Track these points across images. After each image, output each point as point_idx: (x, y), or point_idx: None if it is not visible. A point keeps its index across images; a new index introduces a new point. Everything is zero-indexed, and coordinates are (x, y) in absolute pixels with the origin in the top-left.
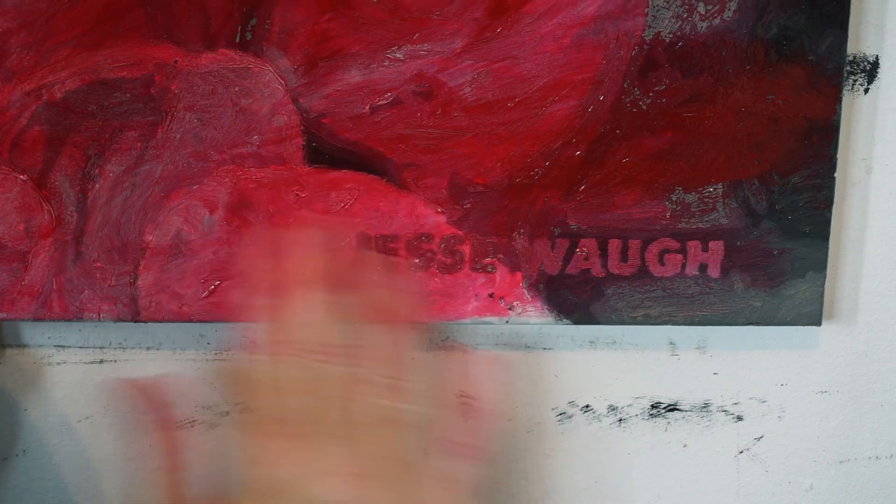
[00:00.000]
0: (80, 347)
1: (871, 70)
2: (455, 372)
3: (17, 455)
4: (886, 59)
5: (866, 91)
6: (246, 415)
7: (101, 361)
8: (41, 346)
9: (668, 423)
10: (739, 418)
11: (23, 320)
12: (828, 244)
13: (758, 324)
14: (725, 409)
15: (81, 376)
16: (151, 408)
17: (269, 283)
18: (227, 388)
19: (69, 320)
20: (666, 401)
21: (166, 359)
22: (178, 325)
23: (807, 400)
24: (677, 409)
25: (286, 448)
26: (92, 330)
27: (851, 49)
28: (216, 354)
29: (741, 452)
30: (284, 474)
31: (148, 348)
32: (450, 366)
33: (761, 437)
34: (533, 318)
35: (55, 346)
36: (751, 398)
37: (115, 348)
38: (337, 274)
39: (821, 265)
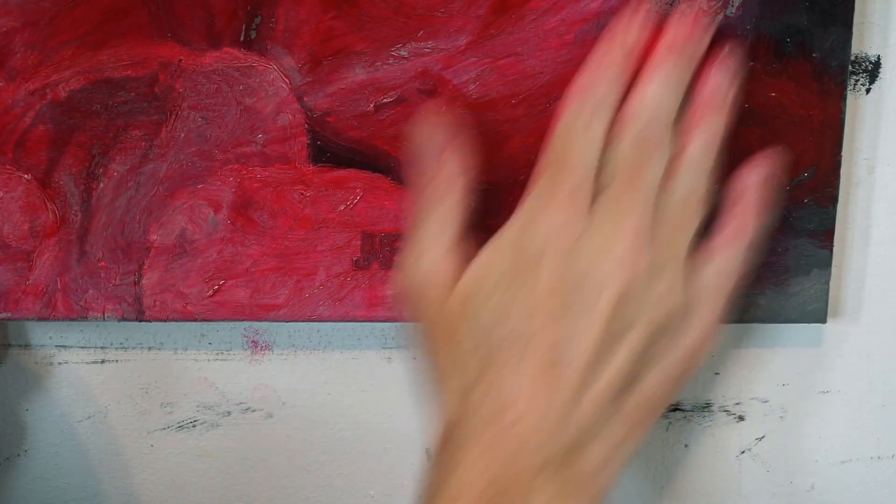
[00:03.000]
0: (82, 347)
1: (872, 70)
2: None
3: (18, 455)
4: (888, 59)
5: (868, 91)
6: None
7: (103, 361)
8: (42, 346)
9: (670, 422)
10: (741, 418)
11: (28, 320)
12: (832, 242)
13: (763, 321)
14: (727, 408)
15: (83, 376)
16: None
17: None
18: None
19: (74, 319)
20: None
21: (167, 358)
22: (178, 326)
23: (809, 400)
24: (679, 409)
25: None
26: (93, 330)
27: (853, 49)
28: (217, 354)
29: (742, 452)
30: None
31: (149, 348)
32: None
33: (763, 438)
34: None
35: (56, 346)
36: (752, 398)
37: (116, 348)
38: None
39: (826, 263)
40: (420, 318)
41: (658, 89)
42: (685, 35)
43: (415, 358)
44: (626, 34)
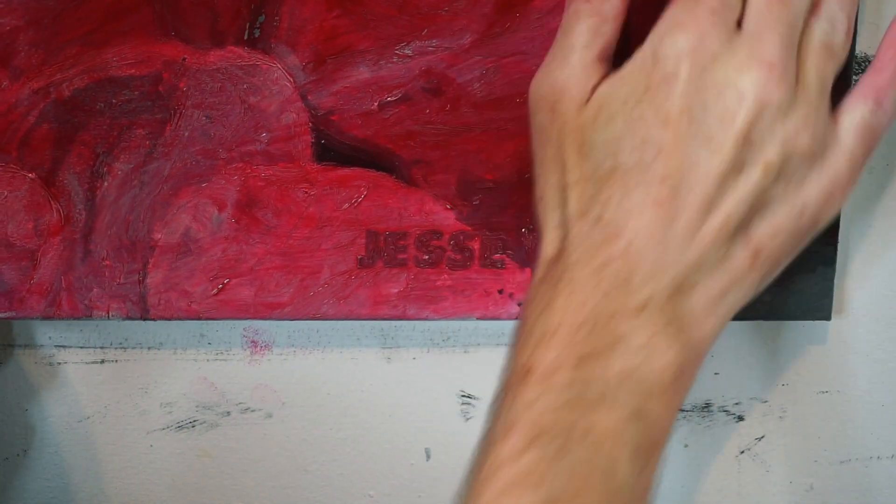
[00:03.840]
0: (81, 347)
1: None
2: None
3: (17, 455)
4: None
5: None
6: None
7: (102, 361)
8: (42, 346)
9: None
10: (740, 418)
11: (32, 319)
12: (837, 239)
13: (767, 318)
14: (726, 408)
15: (82, 376)
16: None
17: None
18: None
19: (78, 318)
20: None
21: (167, 358)
22: (178, 326)
23: (808, 400)
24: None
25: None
26: (93, 330)
27: (855, 49)
28: (217, 354)
29: (742, 452)
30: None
31: (149, 348)
32: None
33: (762, 438)
34: None
35: (56, 346)
36: (752, 398)
37: (115, 348)
38: None
39: (830, 260)
40: (549, 128)
41: None
42: None
43: (414, 358)
44: None
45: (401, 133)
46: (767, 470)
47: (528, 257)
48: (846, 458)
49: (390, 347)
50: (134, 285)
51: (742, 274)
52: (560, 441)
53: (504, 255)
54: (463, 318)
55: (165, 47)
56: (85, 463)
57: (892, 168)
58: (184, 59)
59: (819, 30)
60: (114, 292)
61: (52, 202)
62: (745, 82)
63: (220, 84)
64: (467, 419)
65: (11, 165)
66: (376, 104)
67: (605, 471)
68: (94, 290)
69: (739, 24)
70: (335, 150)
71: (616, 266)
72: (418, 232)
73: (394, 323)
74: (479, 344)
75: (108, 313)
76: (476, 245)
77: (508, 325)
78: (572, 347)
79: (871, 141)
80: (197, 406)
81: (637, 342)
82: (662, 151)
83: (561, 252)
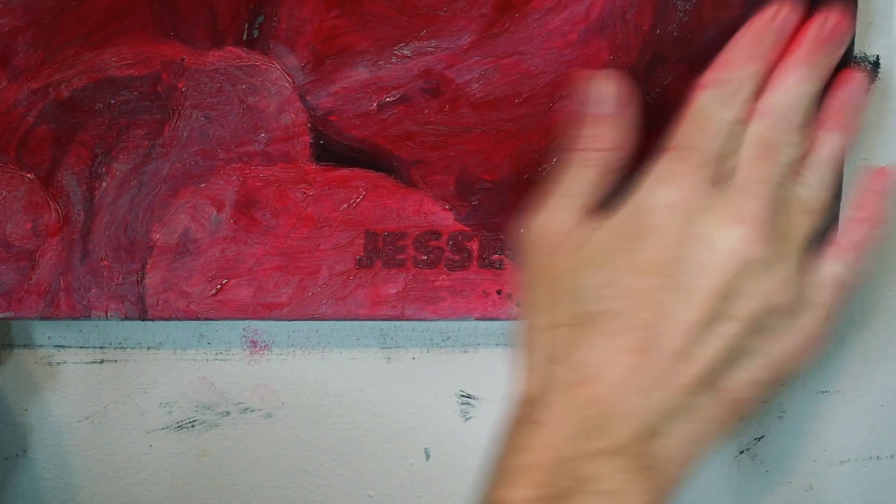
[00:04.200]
0: (81, 347)
1: (872, 70)
2: None
3: (17, 455)
4: (887, 60)
5: (868, 91)
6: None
7: (102, 361)
8: (42, 346)
9: None
10: (740, 418)
11: (31, 319)
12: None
13: None
14: None
15: (82, 376)
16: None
17: None
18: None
19: (76, 319)
20: None
21: (167, 358)
22: (177, 326)
23: (807, 400)
24: None
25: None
26: (92, 330)
27: (854, 48)
28: (217, 354)
29: (741, 452)
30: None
31: (148, 348)
32: None
33: (762, 437)
34: None
35: (56, 346)
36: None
37: (115, 348)
38: None
39: None
40: (540, 271)
41: (798, 83)
42: (831, 32)
43: (413, 358)
44: (777, 19)
45: (399, 133)
46: (767, 470)
47: None
48: (845, 458)
49: (390, 347)
50: (132, 286)
51: (713, 421)
52: None
53: (503, 256)
54: (461, 319)
55: (164, 48)
56: (84, 463)
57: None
58: (182, 59)
59: (802, 191)
60: (112, 293)
61: (50, 202)
62: (728, 238)
63: (218, 84)
64: (466, 419)
65: (10, 166)
66: (375, 105)
67: None
68: (93, 290)
69: (726, 177)
70: (334, 150)
71: (591, 410)
72: (417, 232)
73: (393, 323)
74: (478, 344)
75: (106, 314)
76: (475, 245)
77: (508, 326)
78: (544, 488)
79: (844, 294)
80: (196, 406)
81: (608, 485)
82: (642, 301)
83: (540, 393)
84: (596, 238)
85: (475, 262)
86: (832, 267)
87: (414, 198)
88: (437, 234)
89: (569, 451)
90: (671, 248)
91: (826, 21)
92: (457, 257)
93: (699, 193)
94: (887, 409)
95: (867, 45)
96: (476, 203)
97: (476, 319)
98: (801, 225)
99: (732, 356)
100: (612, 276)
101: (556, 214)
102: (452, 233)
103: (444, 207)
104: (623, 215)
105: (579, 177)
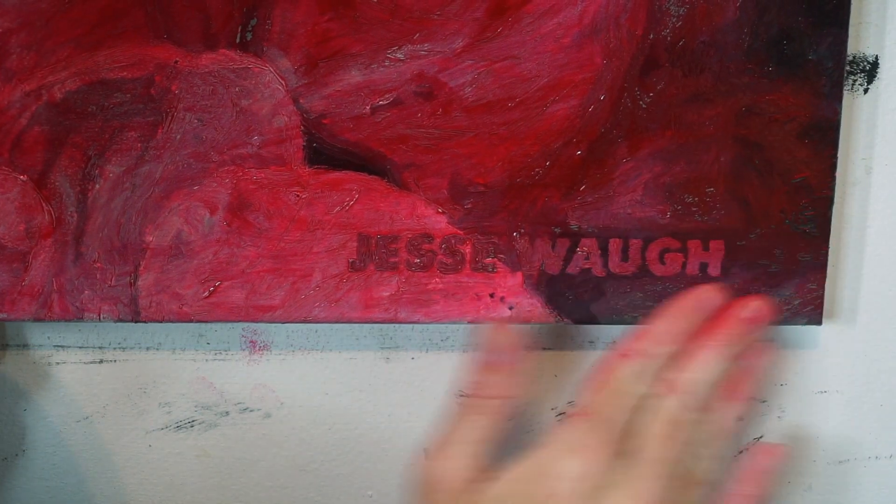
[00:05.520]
0: (80, 347)
1: (870, 70)
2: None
3: (16, 455)
4: (886, 59)
5: (866, 91)
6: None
7: (101, 361)
8: (41, 346)
9: None
10: (739, 418)
11: (23, 321)
12: (828, 243)
13: None
14: None
15: (81, 377)
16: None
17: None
18: None
19: (69, 320)
20: None
21: (166, 358)
22: (177, 326)
23: (806, 400)
24: None
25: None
26: (91, 330)
27: (851, 49)
28: (216, 354)
29: (741, 452)
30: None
31: (147, 348)
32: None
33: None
34: (533, 318)
35: (55, 346)
36: (751, 398)
37: (114, 348)
38: None
39: (821, 264)
40: None
41: (716, 362)
42: (755, 315)
43: (412, 358)
44: (706, 301)
45: (392, 137)
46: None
47: (519, 261)
48: (844, 458)
49: (389, 348)
50: (125, 287)
51: None
52: None
53: (495, 259)
54: (454, 322)
55: (157, 50)
56: (83, 463)
57: (888, 170)
58: (176, 61)
59: (698, 464)
60: (105, 294)
61: (43, 204)
62: None
63: (211, 87)
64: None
65: (3, 167)
66: (368, 108)
67: None
68: (86, 292)
69: (633, 451)
70: (327, 153)
71: None
72: (410, 235)
73: (393, 324)
74: (477, 345)
75: (99, 315)
76: (467, 249)
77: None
78: None
79: None
80: (196, 406)
81: None
82: None
83: None
84: (494, 490)
85: (468, 266)
86: None
87: (407, 201)
88: (429, 238)
89: None
90: None
91: (750, 304)
92: (449, 260)
93: (605, 468)
94: (887, 409)
95: (866, 46)
96: (469, 206)
97: (468, 323)
98: (694, 498)
99: None
100: None
101: (453, 461)
102: (445, 236)
103: (437, 211)
104: (522, 475)
105: (474, 424)
